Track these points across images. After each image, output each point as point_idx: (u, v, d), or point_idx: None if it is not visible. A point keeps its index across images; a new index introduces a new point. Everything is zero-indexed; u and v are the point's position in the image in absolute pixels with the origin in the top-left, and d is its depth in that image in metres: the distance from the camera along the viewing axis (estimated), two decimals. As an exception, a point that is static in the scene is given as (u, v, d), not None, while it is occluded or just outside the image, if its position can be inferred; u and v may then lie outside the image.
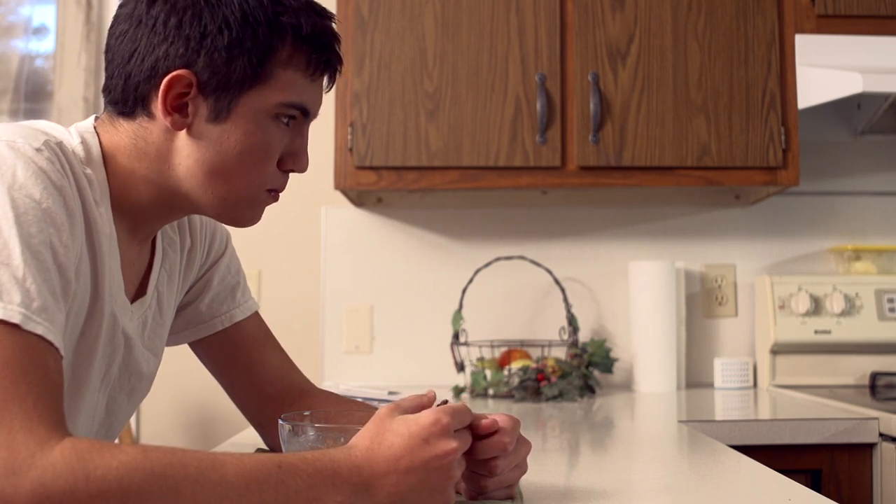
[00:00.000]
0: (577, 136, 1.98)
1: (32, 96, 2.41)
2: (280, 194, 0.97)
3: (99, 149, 0.90)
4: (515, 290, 2.29)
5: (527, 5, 2.01)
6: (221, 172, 0.90)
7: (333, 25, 0.95)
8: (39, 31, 2.46)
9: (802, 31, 2.01)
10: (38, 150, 0.78)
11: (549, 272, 2.18)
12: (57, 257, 0.73)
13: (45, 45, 2.46)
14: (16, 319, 0.65)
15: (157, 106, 0.88)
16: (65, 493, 0.58)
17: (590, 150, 1.98)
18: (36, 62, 2.45)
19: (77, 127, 0.91)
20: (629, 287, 2.21)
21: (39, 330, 0.66)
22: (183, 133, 0.89)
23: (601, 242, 2.32)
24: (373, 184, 1.99)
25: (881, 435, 1.61)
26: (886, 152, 2.35)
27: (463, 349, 2.16)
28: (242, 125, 0.89)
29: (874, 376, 2.12)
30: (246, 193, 0.92)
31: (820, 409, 1.77)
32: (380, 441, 0.76)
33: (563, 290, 2.19)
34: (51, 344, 0.68)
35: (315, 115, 0.96)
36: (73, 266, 0.76)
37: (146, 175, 0.91)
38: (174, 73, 0.86)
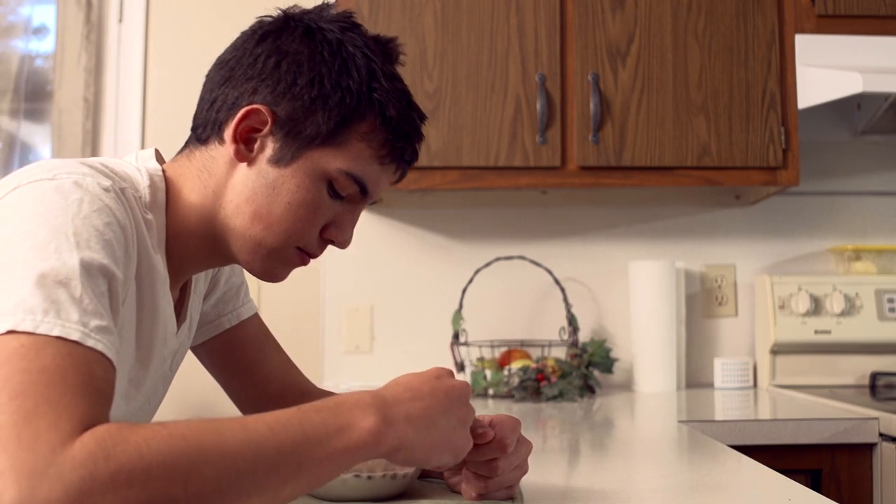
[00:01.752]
0: (577, 136, 1.99)
1: (32, 96, 2.41)
2: (311, 261, 0.96)
3: (164, 193, 0.91)
4: (515, 290, 2.29)
5: (527, 5, 2.01)
6: (265, 217, 0.90)
7: (422, 124, 0.95)
8: (39, 31, 2.46)
9: (802, 31, 2.01)
10: (105, 189, 0.78)
11: (549, 272, 2.18)
12: (112, 287, 0.72)
13: (45, 45, 2.46)
14: (74, 336, 0.64)
15: (229, 132, 0.89)
16: (84, 481, 0.56)
17: (590, 150, 1.98)
18: (36, 62, 2.45)
19: (146, 165, 0.92)
20: (629, 287, 2.22)
21: (100, 347, 0.65)
22: (243, 166, 0.90)
23: (601, 242, 2.32)
24: (373, 184, 1.99)
25: (881, 435, 1.61)
26: (886, 152, 2.35)
27: (463, 349, 2.16)
28: (299, 177, 0.89)
29: (874, 376, 2.12)
30: (278, 246, 0.92)
31: (820, 409, 1.77)
32: (395, 382, 0.78)
33: (563, 290, 2.19)
34: (103, 355, 0.66)
35: (373, 197, 0.95)
36: (121, 302, 0.76)
37: (201, 212, 0.92)
38: (254, 105, 0.88)
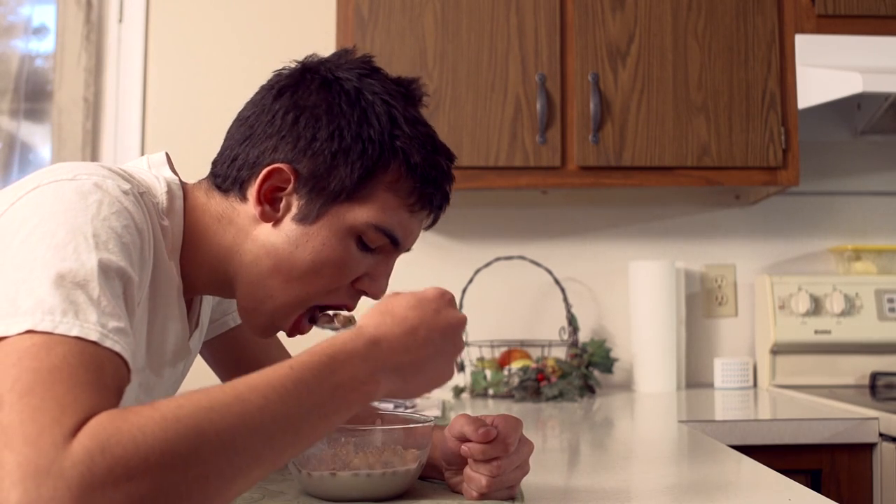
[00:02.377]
0: (577, 136, 1.99)
1: (32, 96, 2.41)
2: (309, 327, 0.94)
3: (182, 202, 0.90)
4: (515, 290, 2.29)
5: (527, 5, 2.01)
6: (286, 272, 0.88)
7: (449, 165, 0.93)
8: (39, 31, 2.46)
9: (802, 31, 2.01)
10: (125, 192, 0.78)
11: (549, 272, 2.18)
12: (127, 290, 0.72)
13: (45, 45, 2.46)
14: (93, 337, 0.64)
15: (252, 193, 0.88)
16: (84, 477, 0.56)
17: (590, 150, 1.98)
18: (36, 62, 2.44)
19: (163, 174, 0.91)
20: (629, 287, 2.21)
21: (117, 348, 0.65)
22: (269, 226, 0.89)
23: (601, 242, 2.32)
24: (373, 184, 1.99)
25: (881, 435, 1.61)
26: (886, 152, 2.35)
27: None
28: (325, 234, 0.88)
29: (874, 376, 2.12)
30: (290, 302, 0.90)
31: (820, 409, 1.77)
32: (392, 315, 0.76)
33: (563, 290, 2.19)
34: (119, 356, 0.66)
35: (406, 248, 0.94)
36: (136, 304, 0.76)
37: (214, 250, 0.91)
38: (276, 165, 0.87)
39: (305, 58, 0.93)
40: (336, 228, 0.88)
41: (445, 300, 0.79)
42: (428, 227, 0.97)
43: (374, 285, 0.93)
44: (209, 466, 0.60)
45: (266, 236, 0.89)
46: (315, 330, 0.95)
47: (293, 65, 0.93)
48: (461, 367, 2.11)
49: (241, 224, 0.90)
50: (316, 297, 0.90)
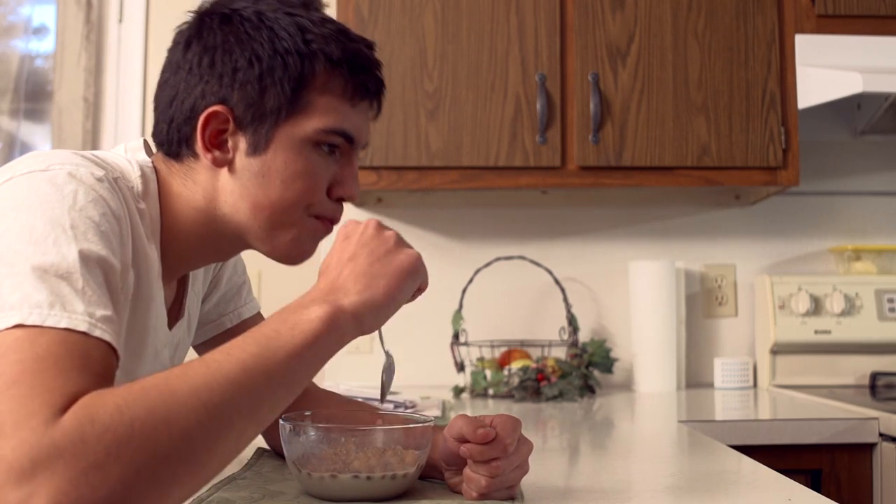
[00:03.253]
0: (577, 136, 1.98)
1: (32, 96, 2.41)
2: (334, 226, 0.97)
3: (156, 184, 0.91)
4: (515, 290, 2.29)
5: (527, 5, 2.01)
6: (266, 204, 0.90)
7: (370, 51, 0.94)
8: (39, 31, 2.46)
9: (802, 31, 2.01)
10: (99, 179, 0.78)
11: (549, 272, 2.18)
12: (108, 278, 0.73)
13: (45, 45, 2.46)
14: (82, 328, 0.65)
15: (199, 145, 0.89)
16: (77, 446, 0.58)
17: (590, 150, 1.98)
18: (36, 62, 2.45)
19: (137, 158, 0.92)
20: (629, 287, 2.22)
21: (106, 337, 0.66)
22: (225, 171, 0.90)
23: (601, 242, 2.32)
24: (373, 184, 1.99)
25: (881, 435, 1.61)
26: (886, 152, 2.35)
27: (463, 349, 2.16)
28: (282, 155, 0.89)
29: (874, 376, 2.12)
30: (293, 222, 0.92)
31: (820, 409, 1.77)
32: (328, 260, 0.83)
33: (563, 290, 2.19)
34: (108, 344, 0.67)
35: (362, 141, 0.96)
36: (120, 291, 0.77)
37: (196, 217, 0.92)
38: (210, 109, 0.88)
39: (199, 6, 0.94)
40: (290, 146, 0.89)
41: (367, 224, 0.84)
42: (375, 117, 0.98)
43: (347, 188, 0.95)
44: (191, 423, 0.63)
45: (231, 182, 0.90)
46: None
47: (189, 17, 0.93)
48: (461, 368, 2.11)
49: (204, 180, 0.91)
50: (307, 207, 0.92)
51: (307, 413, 0.98)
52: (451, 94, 1.99)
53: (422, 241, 2.31)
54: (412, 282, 0.83)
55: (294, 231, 0.92)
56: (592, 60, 2.00)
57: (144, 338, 0.90)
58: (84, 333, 0.65)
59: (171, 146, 0.92)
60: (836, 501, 0.97)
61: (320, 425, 0.95)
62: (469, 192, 2.14)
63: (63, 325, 0.64)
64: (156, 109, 0.94)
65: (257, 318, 1.17)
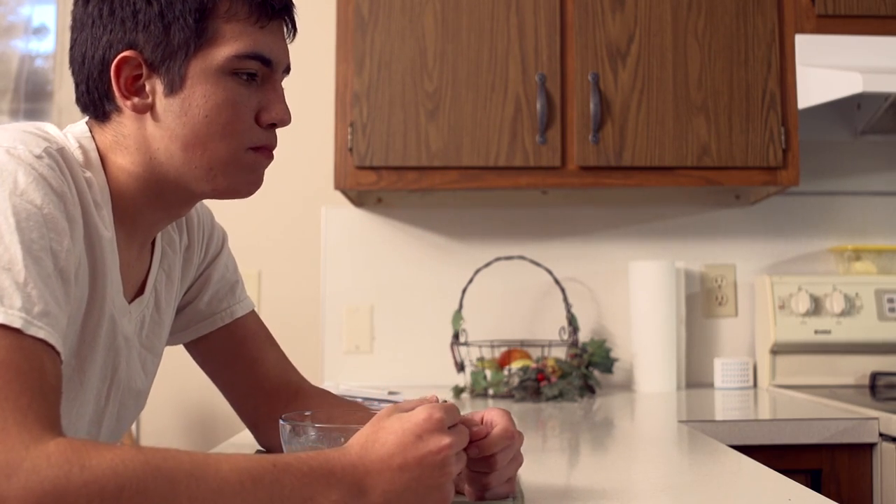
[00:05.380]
0: (577, 136, 1.98)
1: (32, 96, 2.41)
2: (273, 152, 0.95)
3: (96, 153, 0.91)
4: (515, 290, 2.29)
5: (527, 5, 2.01)
6: (196, 142, 0.89)
7: None
8: (39, 31, 2.46)
9: (802, 31, 2.01)
10: (38, 156, 0.78)
11: (549, 272, 2.18)
12: (58, 262, 0.73)
13: (45, 45, 2.46)
14: (17, 324, 0.65)
15: (117, 95, 0.89)
16: (59, 480, 0.58)
17: (590, 150, 1.98)
18: (36, 62, 2.45)
19: (72, 131, 0.92)
20: (629, 287, 2.21)
21: (41, 334, 0.67)
22: (149, 117, 0.89)
23: (601, 242, 2.32)
24: (373, 184, 1.99)
25: (881, 435, 1.61)
26: (886, 152, 2.35)
27: (463, 349, 2.16)
28: (200, 89, 0.88)
29: (874, 376, 2.12)
30: (228, 157, 0.91)
31: (820, 409, 1.77)
32: (374, 439, 0.75)
33: (563, 290, 2.19)
34: (51, 347, 0.68)
35: (280, 63, 0.94)
36: (73, 271, 0.77)
37: (136, 171, 0.91)
38: (120, 56, 0.88)
39: None
40: (205, 78, 0.88)
41: (430, 424, 0.75)
42: (292, 38, 0.96)
43: (274, 113, 0.93)
44: None
45: (157, 128, 0.89)
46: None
47: None
48: (461, 368, 2.11)
49: (133, 132, 0.90)
50: (239, 139, 0.91)
51: (307, 413, 0.98)
52: (451, 94, 1.99)
53: (422, 241, 2.31)
54: None
55: (233, 167, 0.91)
56: (592, 60, 2.00)
57: (99, 305, 0.89)
58: (18, 331, 0.65)
59: (95, 108, 0.91)
60: (836, 501, 0.97)
61: (320, 425, 0.94)
62: (469, 192, 2.14)
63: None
64: (73, 73, 0.93)
65: (251, 317, 1.17)
